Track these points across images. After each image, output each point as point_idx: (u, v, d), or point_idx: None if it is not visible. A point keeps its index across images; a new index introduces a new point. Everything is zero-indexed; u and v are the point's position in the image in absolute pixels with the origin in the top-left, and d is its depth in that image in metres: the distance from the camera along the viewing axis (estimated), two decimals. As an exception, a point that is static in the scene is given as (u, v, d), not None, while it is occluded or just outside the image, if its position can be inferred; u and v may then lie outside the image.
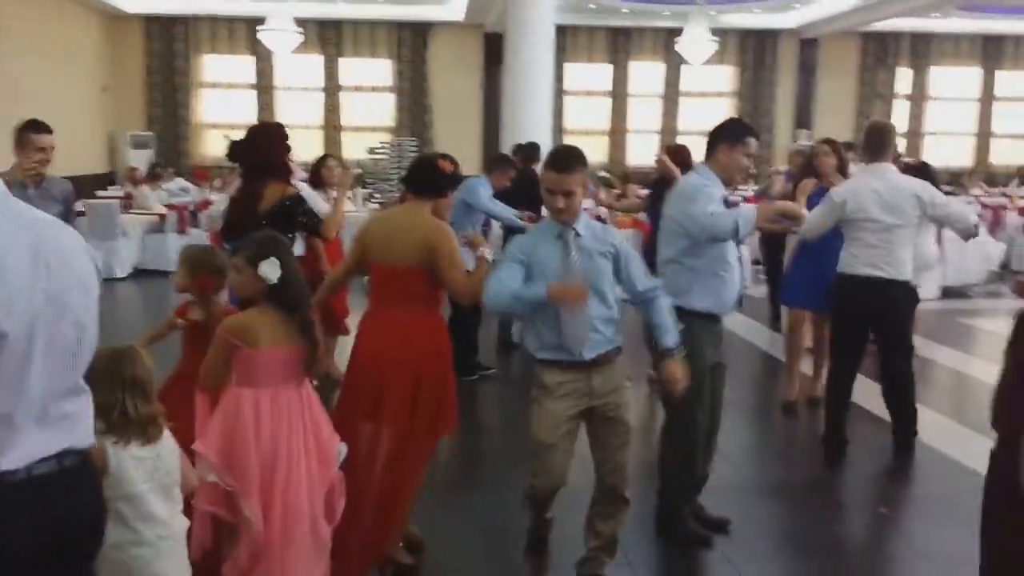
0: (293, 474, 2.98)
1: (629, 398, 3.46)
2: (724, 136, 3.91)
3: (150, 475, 2.53)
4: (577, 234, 3.33)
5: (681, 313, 3.80)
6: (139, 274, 11.23)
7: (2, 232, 1.77)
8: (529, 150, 8.38)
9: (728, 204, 4.04)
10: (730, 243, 3.86)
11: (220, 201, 12.13)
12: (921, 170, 6.62)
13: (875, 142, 4.96)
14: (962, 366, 7.17)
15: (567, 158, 3.29)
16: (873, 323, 5.03)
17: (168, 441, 2.61)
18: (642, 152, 16.72)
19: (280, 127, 4.67)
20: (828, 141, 6.10)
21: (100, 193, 13.35)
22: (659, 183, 6.52)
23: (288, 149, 4.57)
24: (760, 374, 7.23)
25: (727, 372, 4.15)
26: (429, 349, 3.49)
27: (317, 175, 6.70)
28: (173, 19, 16.50)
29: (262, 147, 4.50)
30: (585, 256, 3.31)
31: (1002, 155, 18.25)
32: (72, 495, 1.90)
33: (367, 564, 3.52)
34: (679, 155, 6.40)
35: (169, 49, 16.67)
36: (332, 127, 17.22)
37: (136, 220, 11.55)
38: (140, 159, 15.44)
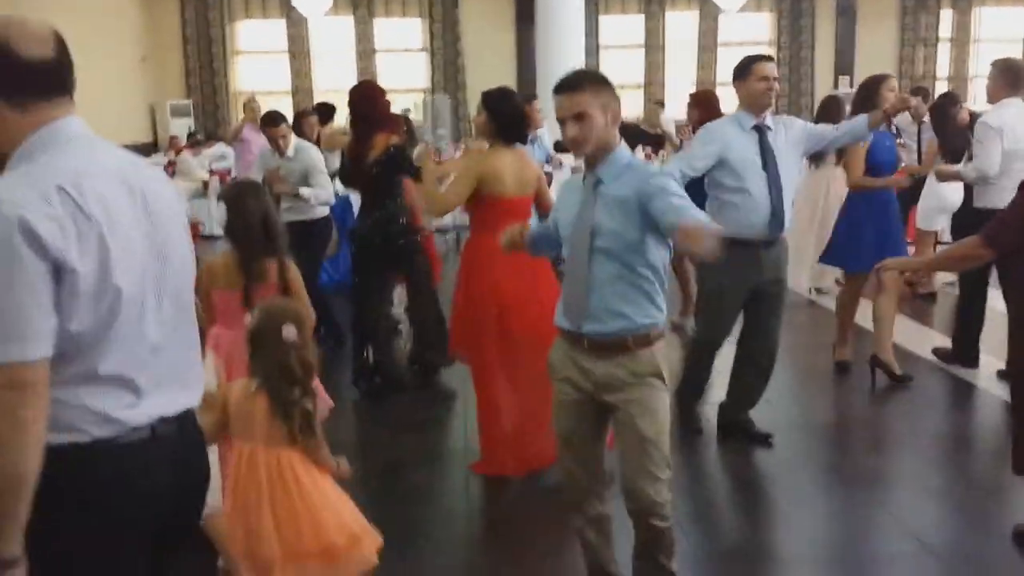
0: None
1: (652, 402, 2.69)
2: (734, 77, 4.41)
3: None
4: (599, 180, 2.66)
5: None
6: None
7: (96, 165, 1.66)
8: None
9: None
10: (754, 173, 4.19)
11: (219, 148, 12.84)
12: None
13: (1011, 77, 5.21)
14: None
15: (570, 76, 2.67)
16: None
17: None
18: (679, 106, 16.56)
19: (376, 84, 5.31)
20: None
21: (144, 162, 13.53)
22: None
23: (389, 104, 5.23)
24: (798, 318, 7.22)
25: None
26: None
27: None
28: (207, -13, 16.58)
29: (367, 103, 5.07)
30: (606, 207, 2.64)
31: (1050, 96, 17.81)
32: (193, 457, 1.83)
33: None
34: (706, 101, 6.46)
35: (204, 17, 16.76)
36: (368, 90, 17.23)
37: (181, 187, 11.77)
38: (180, 128, 15.63)
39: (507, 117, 4.15)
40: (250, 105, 9.50)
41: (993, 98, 5.28)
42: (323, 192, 5.99)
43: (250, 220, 3.22)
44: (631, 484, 2.71)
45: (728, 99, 5.76)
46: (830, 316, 6.28)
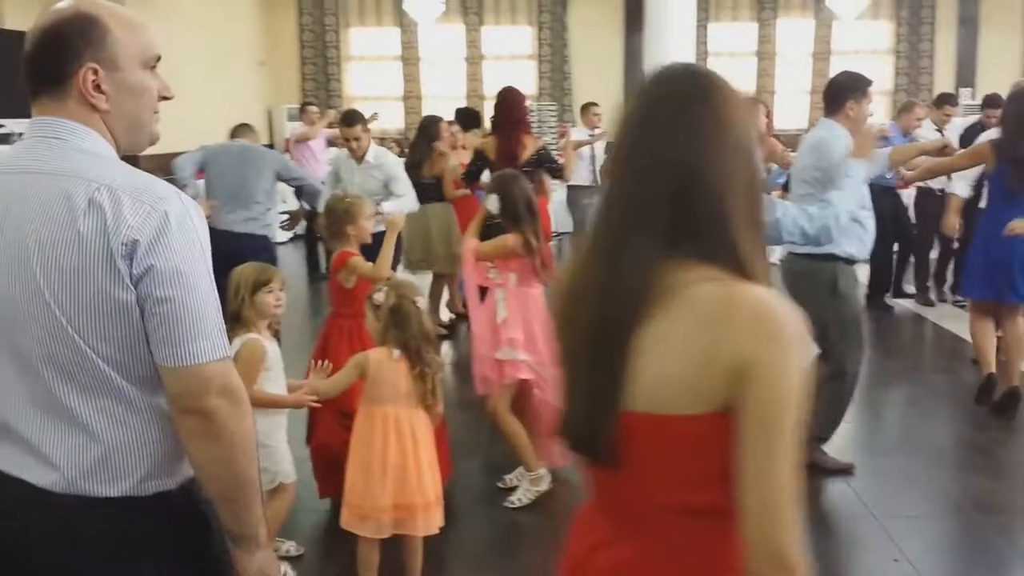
0: None
1: None
2: (852, 91, 4.07)
3: None
4: None
5: (832, 260, 4.01)
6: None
7: None
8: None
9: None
10: (865, 192, 3.97)
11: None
12: None
13: None
14: None
15: None
16: None
17: None
18: (791, 114, 16.25)
19: (518, 89, 5.79)
20: None
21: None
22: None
23: (527, 108, 5.76)
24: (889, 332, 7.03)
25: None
26: None
27: None
28: (324, -6, 17.06)
29: (515, 107, 5.62)
30: None
31: None
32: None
33: None
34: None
35: (320, 23, 17.26)
36: (475, 96, 17.47)
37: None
38: (296, 131, 16.11)
39: None
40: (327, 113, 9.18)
41: None
42: (406, 202, 5.64)
43: (520, 203, 3.87)
44: None
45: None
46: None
